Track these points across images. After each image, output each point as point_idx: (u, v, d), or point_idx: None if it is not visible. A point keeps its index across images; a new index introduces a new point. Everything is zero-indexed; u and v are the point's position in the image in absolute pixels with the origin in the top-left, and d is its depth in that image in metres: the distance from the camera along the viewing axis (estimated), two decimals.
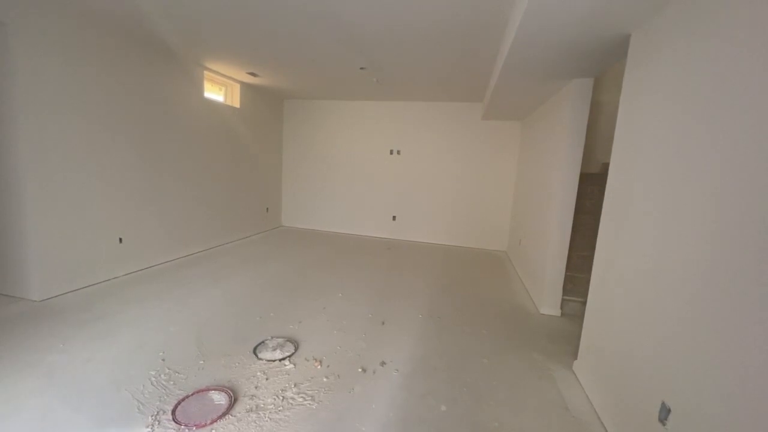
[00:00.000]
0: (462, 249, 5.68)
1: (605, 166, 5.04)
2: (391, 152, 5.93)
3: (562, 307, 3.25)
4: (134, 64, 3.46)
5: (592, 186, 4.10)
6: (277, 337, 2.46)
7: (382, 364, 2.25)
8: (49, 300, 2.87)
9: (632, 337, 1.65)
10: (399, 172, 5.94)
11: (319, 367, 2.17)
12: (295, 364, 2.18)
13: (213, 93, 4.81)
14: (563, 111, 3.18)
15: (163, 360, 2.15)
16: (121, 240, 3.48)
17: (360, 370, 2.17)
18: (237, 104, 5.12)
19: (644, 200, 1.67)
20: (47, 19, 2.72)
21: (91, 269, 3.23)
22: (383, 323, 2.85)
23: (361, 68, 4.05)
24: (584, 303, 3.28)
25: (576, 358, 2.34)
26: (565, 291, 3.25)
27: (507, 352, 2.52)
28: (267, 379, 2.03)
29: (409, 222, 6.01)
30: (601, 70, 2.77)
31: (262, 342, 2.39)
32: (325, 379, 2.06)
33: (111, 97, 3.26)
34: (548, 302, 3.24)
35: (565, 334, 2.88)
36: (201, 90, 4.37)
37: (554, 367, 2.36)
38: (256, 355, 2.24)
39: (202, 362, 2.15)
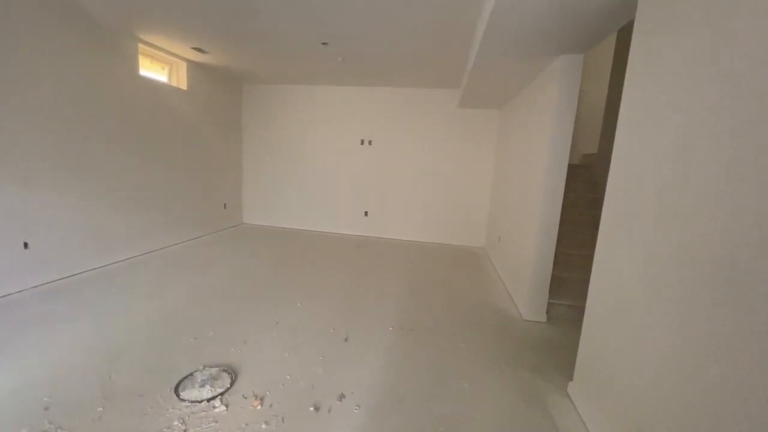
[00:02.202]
0: (438, 246, 5.32)
1: (587, 158, 4.82)
2: (362, 142, 5.46)
3: (548, 312, 2.94)
4: (46, 36, 2.80)
5: (574, 178, 3.81)
6: (211, 367, 1.98)
7: (341, 398, 1.82)
8: None
9: (648, 355, 1.30)
10: (370, 163, 5.49)
11: (259, 407, 1.71)
12: (227, 405, 1.71)
13: (153, 72, 4.15)
14: (548, 93, 2.82)
15: (46, 409, 1.62)
16: (26, 245, 2.84)
17: (312, 408, 1.73)
18: (184, 86, 4.47)
19: (657, 192, 1.31)
20: None
21: None
22: (346, 339, 2.41)
23: (323, 43, 3.55)
24: (571, 307, 2.98)
25: (571, 379, 2.00)
26: (551, 293, 2.93)
27: (489, 371, 2.15)
28: (185, 431, 1.55)
29: (382, 218, 5.59)
30: (593, 42, 2.41)
31: (190, 375, 1.90)
32: (264, 426, 1.60)
33: (15, 75, 2.60)
34: (532, 306, 2.92)
35: (554, 343, 2.55)
36: (135, 67, 3.71)
37: (545, 387, 2.02)
38: (178, 395, 1.75)
39: (101, 409, 1.64)
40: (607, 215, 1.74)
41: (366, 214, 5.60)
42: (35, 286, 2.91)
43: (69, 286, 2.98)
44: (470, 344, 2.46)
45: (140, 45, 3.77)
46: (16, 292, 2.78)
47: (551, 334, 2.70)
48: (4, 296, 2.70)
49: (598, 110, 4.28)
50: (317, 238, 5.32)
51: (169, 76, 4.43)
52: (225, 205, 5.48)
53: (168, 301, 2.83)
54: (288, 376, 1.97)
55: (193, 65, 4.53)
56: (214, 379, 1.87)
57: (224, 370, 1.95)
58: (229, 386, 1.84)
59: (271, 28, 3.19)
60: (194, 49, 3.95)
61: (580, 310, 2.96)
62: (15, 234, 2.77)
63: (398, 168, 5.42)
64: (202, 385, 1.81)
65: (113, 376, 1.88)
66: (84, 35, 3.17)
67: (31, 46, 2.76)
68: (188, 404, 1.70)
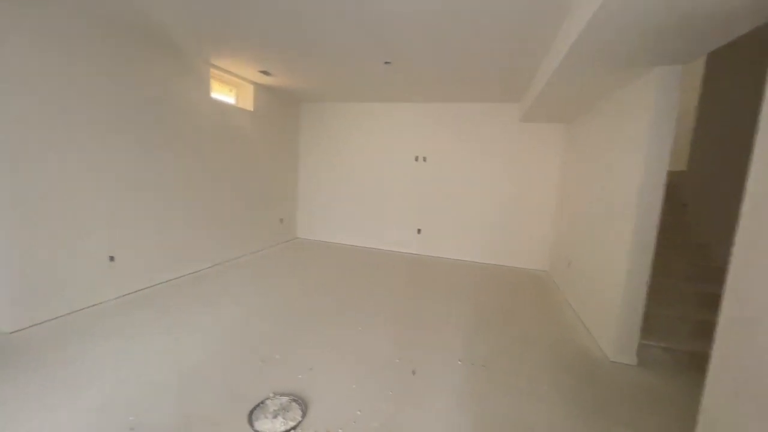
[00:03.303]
0: (496, 268, 5.02)
1: (671, 175, 4.32)
2: (416, 159, 5.37)
3: (638, 354, 2.57)
4: (130, 61, 3.06)
5: None
6: (281, 395, 1.92)
7: None
8: (20, 332, 2.44)
9: None
10: (424, 180, 5.37)
11: None
12: None
13: (223, 94, 4.41)
14: (641, 106, 2.54)
15: (131, 430, 1.65)
16: (112, 258, 3.05)
17: None
18: (250, 107, 4.70)
19: None
20: (29, 11, 2.33)
21: (75, 293, 2.80)
22: (414, 372, 2.27)
23: (386, 63, 3.53)
24: (668, 350, 2.60)
25: None
26: (641, 332, 2.57)
27: (580, 423, 1.89)
28: None
29: (435, 236, 5.41)
30: (700, 52, 2.13)
31: (261, 403, 1.86)
32: None
33: (101, 97, 2.85)
34: (620, 346, 2.58)
35: (652, 394, 2.21)
36: (207, 90, 3.95)
37: None
38: (252, 425, 1.70)
39: None
40: (750, 235, 1.45)
41: (419, 231, 5.46)
42: (119, 297, 3.11)
43: (147, 297, 3.15)
44: (552, 388, 2.20)
45: (212, 70, 4.01)
46: (102, 303, 2.98)
47: (647, 381, 2.35)
48: (94, 305, 2.91)
49: (682, 124, 3.83)
50: (370, 255, 5.26)
51: (237, 97, 4.68)
52: (281, 220, 5.63)
53: (233, 318, 2.88)
54: (358, 412, 1.86)
55: (258, 87, 4.75)
56: (285, 410, 1.81)
57: (294, 400, 1.89)
58: (300, 419, 1.76)
59: (337, 50, 3.22)
60: (261, 72, 4.13)
61: (680, 355, 2.57)
62: (103, 248, 2.98)
63: (453, 185, 5.25)
64: (275, 416, 1.75)
65: (187, 397, 1.89)
66: (170, 63, 3.42)
67: (124, 72, 3.02)
68: None
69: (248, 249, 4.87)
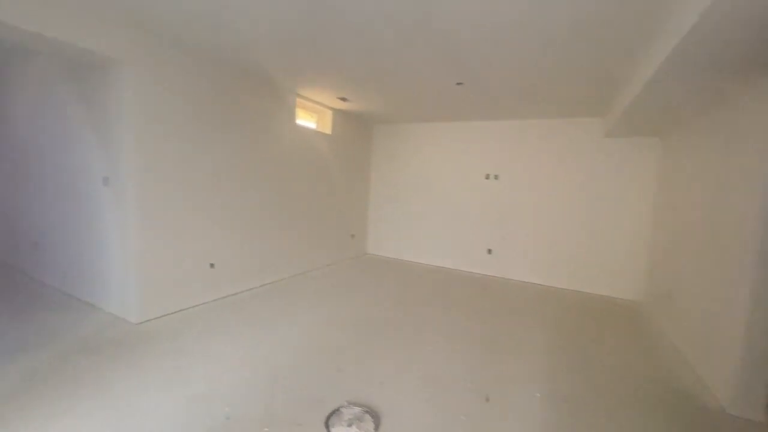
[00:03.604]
0: (578, 294, 4.60)
1: None
2: (487, 177, 5.25)
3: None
4: (232, 95, 3.58)
5: None
6: (355, 405, 2.00)
7: None
8: (144, 323, 2.92)
9: None
10: (496, 199, 5.21)
11: None
12: None
13: (305, 120, 4.87)
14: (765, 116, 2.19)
15: (228, 419, 1.86)
16: (212, 265, 3.51)
17: None
18: (329, 131, 5.10)
19: None
20: (153, 54, 2.91)
21: (185, 294, 3.28)
22: (488, 399, 2.17)
23: (458, 83, 3.59)
24: None
25: None
26: None
27: None
28: None
29: (507, 257, 5.17)
30: None
31: (337, 410, 1.95)
32: None
33: (208, 127, 3.37)
34: (742, 396, 2.16)
35: None
36: (293, 117, 4.41)
37: None
38: (328, 430, 1.80)
39: (266, 429, 1.79)
40: None
41: (490, 252, 5.28)
42: (216, 299, 3.55)
43: (238, 301, 3.54)
44: None
45: (298, 99, 4.47)
46: (203, 303, 3.43)
47: None
48: (198, 305, 3.36)
49: None
50: (439, 274, 5.22)
51: (317, 122, 5.12)
52: (352, 235, 5.91)
53: (311, 326, 3.07)
54: None
55: (336, 112, 5.15)
56: (359, 420, 1.87)
57: (367, 412, 1.95)
58: (373, 431, 1.81)
59: (409, 75, 3.37)
60: (339, 98, 4.49)
61: None
62: (206, 257, 3.45)
63: (527, 203, 5.00)
64: (349, 425, 1.82)
65: (272, 396, 2.07)
66: (265, 95, 3.92)
67: (223, 106, 3.54)
68: None
69: (322, 262, 5.19)
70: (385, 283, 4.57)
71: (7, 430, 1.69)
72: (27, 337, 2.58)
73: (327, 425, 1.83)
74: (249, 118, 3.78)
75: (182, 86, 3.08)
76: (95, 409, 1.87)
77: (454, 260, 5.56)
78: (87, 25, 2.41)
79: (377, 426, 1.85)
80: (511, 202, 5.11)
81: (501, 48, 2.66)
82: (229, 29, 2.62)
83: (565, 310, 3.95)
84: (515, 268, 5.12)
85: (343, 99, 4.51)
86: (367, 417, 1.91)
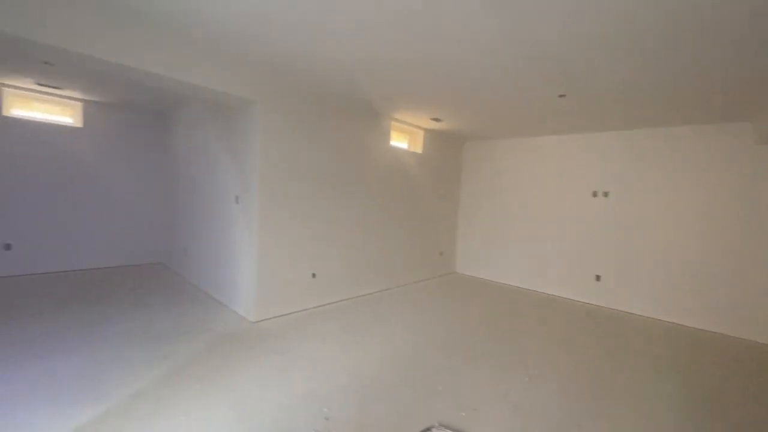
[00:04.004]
0: (716, 336, 3.73)
1: None
2: (595, 194, 4.71)
3: None
4: (337, 122, 3.97)
5: None
6: (446, 428, 1.96)
7: None
8: (259, 322, 3.37)
9: None
10: (605, 218, 4.62)
11: None
12: None
13: (398, 141, 5.10)
14: None
15: (327, 419, 2.01)
16: (314, 275, 3.87)
17: None
18: (420, 150, 5.26)
19: None
20: (275, 92, 3.42)
21: (291, 299, 3.68)
22: None
23: (560, 96, 3.37)
24: None
25: None
26: None
27: None
28: None
29: (620, 285, 4.50)
30: None
31: (427, 430, 1.94)
32: None
33: (315, 152, 3.80)
34: None
35: None
36: (388, 139, 4.67)
37: None
38: None
39: None
40: None
41: (598, 278, 4.67)
42: (316, 306, 3.89)
43: (334, 310, 3.82)
44: None
45: (393, 122, 4.73)
46: (304, 310, 3.79)
47: None
48: (302, 310, 3.74)
49: None
50: (533, 299, 4.81)
51: (409, 143, 5.32)
52: (441, 253, 5.87)
53: (400, 341, 3.13)
54: None
55: (428, 132, 5.29)
56: None
57: None
58: None
59: (510, 90, 3.29)
60: (432, 119, 4.61)
61: None
62: (309, 267, 3.83)
63: (646, 223, 4.31)
64: None
65: (366, 405, 2.16)
66: (364, 120, 4.26)
67: (331, 134, 3.94)
68: None
69: (411, 279, 5.27)
70: (477, 305, 4.40)
71: (159, 404, 2.12)
72: (173, 326, 3.21)
73: None
74: (350, 142, 4.14)
75: (296, 116, 3.56)
76: (221, 392, 2.22)
77: (554, 285, 5.07)
78: (230, 75, 3.00)
79: None
80: (625, 221, 4.47)
81: (611, 53, 2.43)
82: (338, 68, 2.95)
83: (702, 355, 3.24)
84: (631, 298, 4.42)
85: (436, 119, 4.61)
86: None
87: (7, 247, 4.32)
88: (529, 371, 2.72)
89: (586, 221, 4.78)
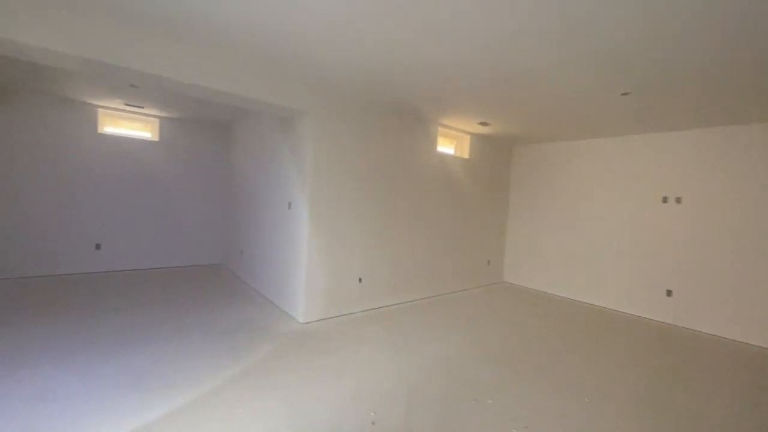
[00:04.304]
0: None
1: None
2: (665, 200, 4.28)
3: None
4: (384, 128, 4.04)
5: None
6: None
7: None
8: (308, 324, 3.50)
9: None
10: (678, 226, 4.17)
11: None
12: None
13: (444, 146, 5.06)
14: None
15: (373, 423, 2.02)
16: (360, 280, 3.94)
17: None
18: (466, 155, 5.16)
19: None
20: (325, 103, 3.56)
21: (338, 303, 3.78)
22: None
23: (624, 94, 3.13)
24: None
25: None
26: None
27: None
28: None
29: (695, 301, 4.02)
30: None
31: None
32: None
33: (365, 161, 3.89)
34: None
35: None
36: (435, 145, 4.65)
37: None
38: None
39: None
40: None
41: (669, 293, 4.21)
42: (362, 311, 3.96)
43: (380, 316, 3.86)
44: None
45: (440, 128, 4.70)
46: (351, 313, 3.87)
47: None
48: (346, 314, 3.82)
49: None
50: (592, 313, 4.46)
51: (456, 148, 5.25)
52: (488, 261, 5.68)
53: (445, 350, 3.07)
54: None
55: (474, 136, 5.18)
56: None
57: None
58: None
59: (567, 91, 3.13)
60: (480, 123, 4.51)
61: None
62: (355, 272, 3.90)
63: (725, 232, 3.81)
64: None
65: (411, 412, 2.14)
66: (413, 127, 4.30)
67: (380, 141, 4.01)
68: None
69: (457, 287, 5.15)
70: (529, 316, 4.18)
71: (219, 397, 2.27)
72: (232, 323, 3.43)
73: None
74: (397, 148, 4.19)
75: (345, 124, 3.68)
76: (274, 389, 2.33)
77: (615, 299, 4.66)
78: (288, 89, 3.19)
79: None
80: (701, 229, 3.99)
81: (687, 41, 2.21)
82: (390, 76, 3.02)
83: None
84: (708, 317, 3.92)
85: (484, 123, 4.51)
86: None
87: (98, 246, 4.95)
88: (588, 391, 2.52)
89: (654, 229, 4.35)
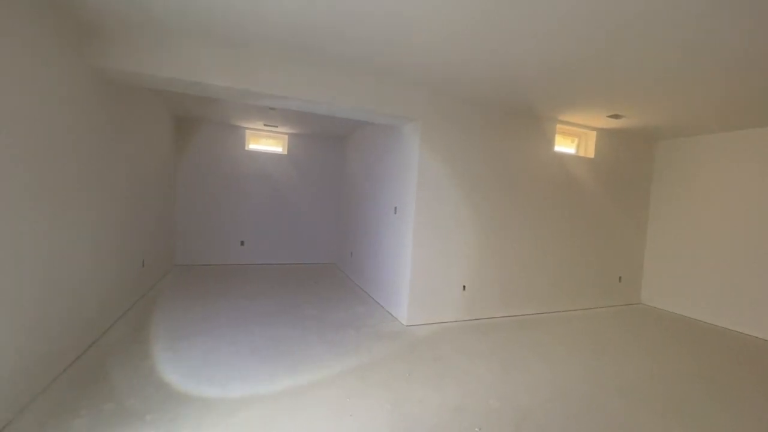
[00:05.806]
0: None
1: None
2: None
3: None
4: (496, 131, 3.84)
5: None
6: None
7: None
8: (411, 327, 3.53)
9: None
10: None
11: None
12: None
13: (563, 146, 4.52)
14: None
15: None
16: (464, 288, 3.80)
17: None
18: (591, 154, 4.51)
19: None
20: (434, 108, 3.56)
21: (440, 309, 3.71)
22: None
23: None
24: None
25: None
26: None
27: None
28: None
29: None
30: None
31: None
32: None
33: (473, 165, 3.75)
34: None
35: None
36: (552, 144, 4.20)
37: None
38: None
39: None
40: None
41: None
42: (465, 320, 3.81)
43: (485, 327, 3.64)
44: None
45: (558, 125, 4.23)
46: (454, 321, 3.76)
47: None
48: (449, 322, 3.74)
49: None
50: (766, 352, 3.34)
51: (578, 147, 4.64)
52: (620, 278, 4.82)
53: (567, 375, 2.70)
54: None
55: (602, 133, 4.49)
56: None
57: None
58: None
59: (730, 60, 2.45)
60: (610, 116, 3.88)
61: None
62: (459, 279, 3.78)
63: None
64: None
65: None
66: (526, 125, 3.99)
67: (488, 142, 3.82)
68: None
69: (579, 305, 4.52)
70: (673, 345, 3.38)
71: (329, 390, 2.46)
72: (342, 318, 3.70)
73: None
74: (508, 150, 3.93)
75: (452, 128, 3.63)
76: (380, 388, 2.40)
77: None
78: (401, 100, 3.33)
79: None
80: None
81: None
82: (503, 73, 2.87)
83: None
84: None
85: (615, 116, 3.87)
86: None
87: (242, 243, 6.00)
88: None
89: None
